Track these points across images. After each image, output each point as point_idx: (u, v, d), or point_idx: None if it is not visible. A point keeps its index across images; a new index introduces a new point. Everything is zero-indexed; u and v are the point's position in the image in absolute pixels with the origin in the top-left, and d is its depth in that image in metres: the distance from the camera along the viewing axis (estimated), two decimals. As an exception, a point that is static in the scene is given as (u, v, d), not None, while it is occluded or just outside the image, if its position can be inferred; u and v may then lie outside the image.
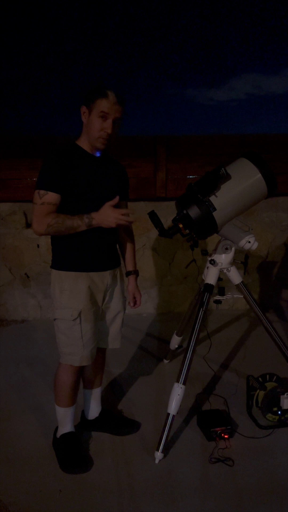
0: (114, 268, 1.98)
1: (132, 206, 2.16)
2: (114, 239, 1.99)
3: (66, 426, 2.04)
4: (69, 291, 1.85)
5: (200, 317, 2.11)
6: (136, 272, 2.16)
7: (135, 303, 2.15)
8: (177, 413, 2.03)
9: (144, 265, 3.97)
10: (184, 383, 2.04)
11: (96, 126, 1.77)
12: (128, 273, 2.15)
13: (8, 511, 1.71)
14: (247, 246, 1.99)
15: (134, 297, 2.14)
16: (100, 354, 2.11)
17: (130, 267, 2.16)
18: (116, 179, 1.95)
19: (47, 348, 3.23)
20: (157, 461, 1.98)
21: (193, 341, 2.08)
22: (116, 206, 1.99)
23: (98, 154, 1.87)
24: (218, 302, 2.26)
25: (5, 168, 3.66)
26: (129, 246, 2.16)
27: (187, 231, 2.01)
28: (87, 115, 1.80)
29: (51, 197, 1.74)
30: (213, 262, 2.18)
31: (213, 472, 1.93)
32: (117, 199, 1.75)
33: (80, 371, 2.00)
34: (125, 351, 3.09)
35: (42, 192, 1.75)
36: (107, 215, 1.73)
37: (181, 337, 2.80)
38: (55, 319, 1.91)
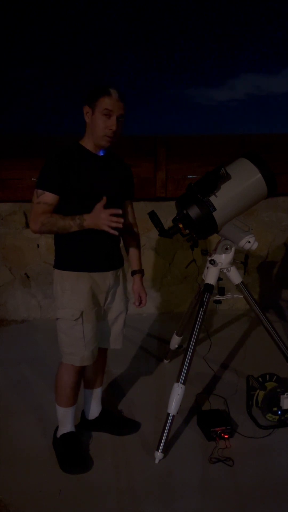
0: (117, 269, 1.98)
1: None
2: (117, 239, 1.99)
3: (66, 426, 2.04)
4: (71, 291, 1.85)
5: (200, 317, 2.11)
6: (141, 272, 2.15)
7: (140, 302, 2.14)
8: (177, 413, 2.03)
9: (144, 265, 3.94)
10: (184, 383, 2.04)
11: (100, 124, 1.77)
12: (133, 272, 2.15)
13: (8, 511, 1.71)
14: (247, 246, 1.99)
15: (140, 297, 2.13)
16: (101, 354, 2.11)
17: (135, 266, 2.15)
18: (120, 178, 1.95)
19: (47, 348, 3.23)
20: (157, 461, 1.98)
21: (193, 341, 2.08)
22: (121, 205, 1.99)
23: (101, 153, 1.87)
24: (218, 302, 2.26)
25: (5, 168, 3.66)
26: (134, 245, 2.15)
27: (187, 231, 2.01)
28: (90, 114, 1.80)
29: (48, 197, 1.76)
30: (213, 262, 2.18)
31: (213, 472, 1.93)
32: (104, 200, 1.69)
33: (81, 371, 2.00)
34: (125, 351, 3.09)
35: (39, 191, 1.77)
36: (97, 217, 1.68)
37: (181, 337, 2.80)
38: (57, 319, 1.92)
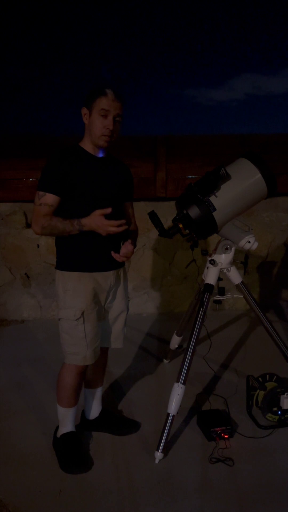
0: (118, 269, 1.98)
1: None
2: (118, 240, 1.99)
3: (66, 426, 2.04)
4: (72, 291, 1.86)
5: (200, 317, 2.11)
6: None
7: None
8: (177, 413, 2.03)
9: (144, 265, 3.97)
10: (184, 383, 2.04)
11: (97, 125, 1.78)
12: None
13: (8, 511, 1.71)
14: (247, 246, 2.00)
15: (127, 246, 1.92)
16: (102, 353, 2.11)
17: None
18: (119, 179, 1.95)
19: (47, 348, 3.23)
20: (157, 461, 1.98)
21: (193, 341, 2.08)
22: (120, 206, 1.99)
23: (101, 155, 1.87)
24: (218, 302, 2.27)
25: (5, 168, 3.66)
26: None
27: (187, 231, 2.01)
28: (88, 116, 1.82)
29: (49, 198, 1.77)
30: (213, 262, 2.18)
31: (213, 472, 1.93)
32: (109, 210, 1.73)
33: (83, 372, 2.00)
34: (125, 351, 3.09)
35: (41, 193, 1.78)
36: (96, 225, 1.74)
37: (181, 337, 2.80)
38: (59, 319, 1.92)
